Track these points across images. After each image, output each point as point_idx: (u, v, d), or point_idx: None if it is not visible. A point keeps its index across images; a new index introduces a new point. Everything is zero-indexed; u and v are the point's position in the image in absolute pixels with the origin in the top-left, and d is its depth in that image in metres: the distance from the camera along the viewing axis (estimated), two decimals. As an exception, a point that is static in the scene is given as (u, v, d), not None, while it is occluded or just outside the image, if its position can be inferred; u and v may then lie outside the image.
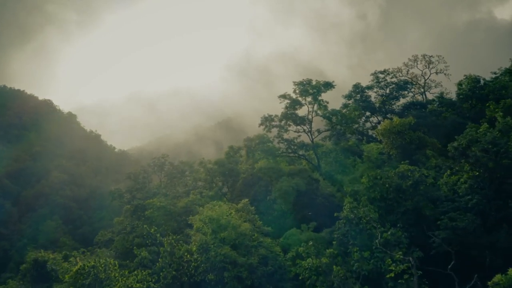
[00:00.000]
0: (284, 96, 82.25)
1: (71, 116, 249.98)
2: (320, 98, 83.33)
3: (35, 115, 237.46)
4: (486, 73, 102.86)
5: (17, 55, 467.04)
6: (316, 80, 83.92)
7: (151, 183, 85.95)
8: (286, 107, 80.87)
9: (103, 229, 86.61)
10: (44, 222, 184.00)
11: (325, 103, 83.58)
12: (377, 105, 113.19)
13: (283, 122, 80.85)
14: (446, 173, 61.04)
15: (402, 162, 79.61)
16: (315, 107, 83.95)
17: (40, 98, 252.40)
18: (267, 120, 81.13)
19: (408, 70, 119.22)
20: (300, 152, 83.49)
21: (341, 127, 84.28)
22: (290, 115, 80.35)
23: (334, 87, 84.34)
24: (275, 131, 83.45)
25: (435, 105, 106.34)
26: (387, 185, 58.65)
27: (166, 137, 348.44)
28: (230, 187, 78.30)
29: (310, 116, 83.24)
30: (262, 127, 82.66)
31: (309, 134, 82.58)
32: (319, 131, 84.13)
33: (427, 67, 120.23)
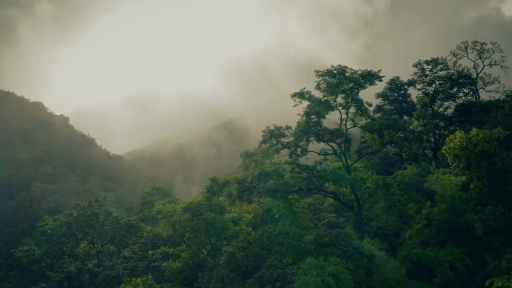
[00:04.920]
0: (301, 95, 43.58)
1: (63, 120, 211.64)
2: (358, 97, 45.06)
3: (24, 119, 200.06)
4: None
5: (7, 55, 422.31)
6: (351, 68, 45.34)
7: (83, 240, 47.69)
8: (306, 114, 42.12)
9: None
10: (22, 239, 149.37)
11: (367, 107, 45.18)
12: (419, 106, 74.43)
13: (299, 138, 42.22)
14: None
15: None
16: (351, 112, 45.60)
17: (32, 100, 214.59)
18: (273, 136, 42.52)
19: (456, 61, 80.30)
20: (330, 187, 44.93)
21: (396, 145, 45.44)
22: (312, 126, 41.70)
23: (381, 80, 46.00)
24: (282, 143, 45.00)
25: (508, 108, 67.43)
26: None
27: (168, 138, 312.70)
28: (210, 251, 40.05)
29: (343, 127, 44.82)
30: (266, 145, 44.25)
31: (342, 157, 43.94)
32: (359, 154, 45.25)
33: (480, 57, 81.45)
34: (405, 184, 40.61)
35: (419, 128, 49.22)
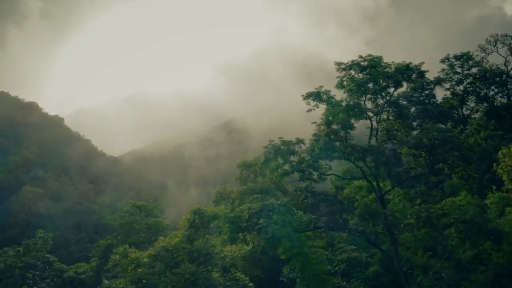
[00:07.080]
0: (317, 96, 29.74)
1: (58, 120, 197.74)
2: (395, 98, 31.55)
3: (17, 119, 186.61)
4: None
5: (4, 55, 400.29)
6: (380, 59, 31.66)
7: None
8: (327, 123, 28.62)
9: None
10: (10, 246, 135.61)
11: (408, 113, 31.69)
12: (446, 108, 61.25)
13: (317, 158, 28.83)
14: None
15: None
16: (383, 119, 32.14)
17: (27, 100, 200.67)
18: (278, 153, 29.11)
19: (485, 57, 66.88)
20: (355, 220, 31.56)
21: (448, 167, 31.93)
22: (335, 141, 28.34)
23: (423, 76, 32.52)
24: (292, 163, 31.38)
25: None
26: None
27: (167, 139, 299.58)
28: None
29: (374, 140, 31.34)
30: (268, 165, 30.78)
31: (374, 182, 30.44)
32: (397, 178, 31.50)
33: (511, 52, 68.22)
34: (467, 224, 27.16)
35: (483, 143, 35.80)
